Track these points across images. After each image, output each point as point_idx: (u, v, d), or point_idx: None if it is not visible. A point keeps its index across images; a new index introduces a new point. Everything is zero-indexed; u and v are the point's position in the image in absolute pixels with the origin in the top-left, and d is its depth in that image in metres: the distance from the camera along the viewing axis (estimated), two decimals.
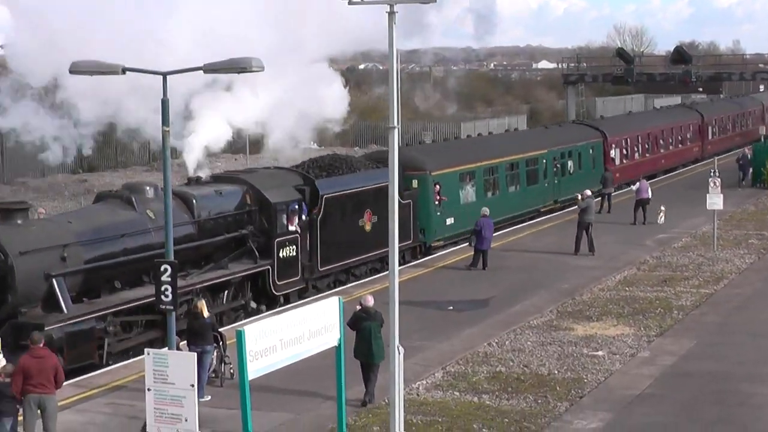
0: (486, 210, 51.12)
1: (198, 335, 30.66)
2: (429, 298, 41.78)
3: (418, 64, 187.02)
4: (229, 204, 41.26)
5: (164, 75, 26.85)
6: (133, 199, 37.04)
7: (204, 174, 43.83)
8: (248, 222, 41.36)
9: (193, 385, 20.40)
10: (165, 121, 27.30)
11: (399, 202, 39.64)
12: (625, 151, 77.12)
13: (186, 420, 20.31)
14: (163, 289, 26.15)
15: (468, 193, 56.71)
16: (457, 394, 30.56)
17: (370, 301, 29.23)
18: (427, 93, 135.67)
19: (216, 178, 43.84)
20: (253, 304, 41.68)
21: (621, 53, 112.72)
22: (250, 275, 40.93)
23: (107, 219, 36.14)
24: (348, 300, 31.20)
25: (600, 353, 34.40)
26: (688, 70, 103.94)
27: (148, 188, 38.55)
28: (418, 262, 50.73)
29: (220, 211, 40.65)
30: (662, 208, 60.29)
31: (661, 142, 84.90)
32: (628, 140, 78.26)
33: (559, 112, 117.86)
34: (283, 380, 26.07)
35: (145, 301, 33.83)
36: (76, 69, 26.71)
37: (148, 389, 20.60)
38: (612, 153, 73.63)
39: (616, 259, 49.73)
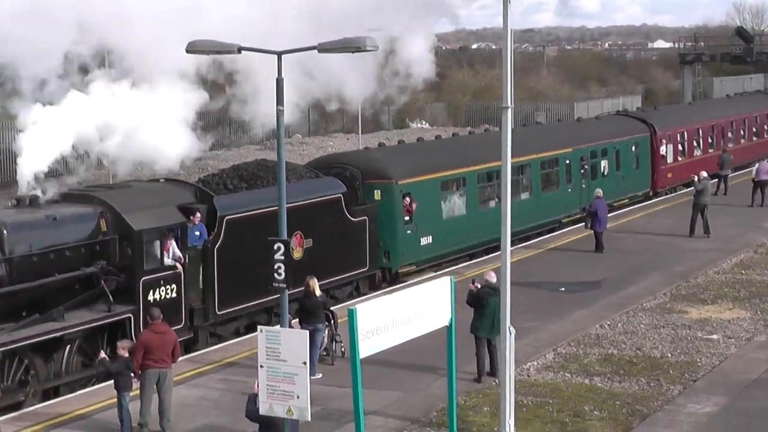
0: (599, 191, 50.19)
1: (310, 314, 30.91)
2: (540, 279, 41.67)
3: (531, 43, 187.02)
4: (69, 233, 32.03)
5: (279, 54, 26.83)
6: None
7: (53, 191, 34.12)
8: (102, 255, 32.12)
9: (305, 363, 20.48)
10: (279, 100, 27.26)
11: (348, 220, 38.58)
12: (681, 147, 67.34)
13: (298, 397, 20.43)
14: (276, 267, 26.03)
15: (455, 204, 46.70)
16: (568, 375, 30.55)
17: (494, 277, 29.10)
18: (541, 73, 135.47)
19: (65, 197, 34.17)
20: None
21: (740, 32, 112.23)
22: (102, 327, 31.57)
23: None
24: None
25: (715, 337, 34.10)
26: None
27: None
28: (384, 291, 39.55)
29: (53, 243, 31.47)
30: None
31: (730, 135, 75.17)
32: (685, 134, 68.33)
33: (675, 92, 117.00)
34: (393, 358, 25.81)
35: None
36: (192, 48, 26.72)
37: (261, 366, 20.82)
38: (663, 149, 63.67)
39: (732, 242, 49.17)
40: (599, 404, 27.90)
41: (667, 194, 63.36)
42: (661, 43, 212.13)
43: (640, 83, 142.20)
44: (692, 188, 53.27)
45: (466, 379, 28.48)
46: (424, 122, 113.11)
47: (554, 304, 38.16)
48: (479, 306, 28.97)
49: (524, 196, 51.55)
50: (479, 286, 30.04)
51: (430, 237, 43.72)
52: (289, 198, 29.49)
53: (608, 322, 35.84)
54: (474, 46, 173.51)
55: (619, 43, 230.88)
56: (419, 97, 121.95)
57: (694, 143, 70.16)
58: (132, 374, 26.35)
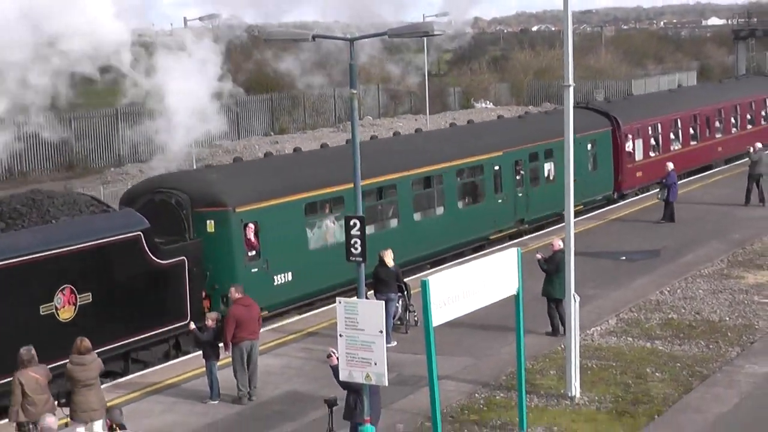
0: (671, 165, 49.09)
1: (383, 283, 31.18)
2: (602, 249, 41.71)
3: (589, 24, 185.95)
4: None
5: (351, 41, 27.34)
6: None
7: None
8: None
9: (381, 332, 20.58)
10: (353, 84, 27.72)
11: (154, 263, 29.04)
12: (654, 141, 56.23)
13: (375, 364, 20.54)
14: (353, 242, 26.57)
15: (328, 232, 35.87)
16: (630, 339, 30.68)
17: (561, 244, 29.46)
18: (599, 52, 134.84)
19: None
20: None
21: None
22: None
23: None
24: None
25: None
26: None
27: None
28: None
29: None
30: None
31: (719, 124, 64.16)
32: (659, 126, 56.86)
33: (729, 67, 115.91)
34: (464, 326, 26.13)
35: None
36: (270, 37, 27.28)
37: (340, 335, 20.90)
38: (629, 146, 53.23)
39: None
40: (660, 366, 28.10)
41: (636, 195, 54.14)
42: (714, 20, 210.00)
43: (695, 60, 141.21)
44: (747, 159, 53.29)
45: (533, 344, 28.69)
46: (488, 102, 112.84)
47: (616, 273, 38.23)
48: (557, 270, 29.48)
49: (438, 211, 41.38)
50: (541, 257, 30.83)
51: (289, 274, 33.38)
52: (56, 243, 26.70)
53: (668, 289, 35.88)
54: (534, 28, 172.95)
55: (674, 21, 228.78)
56: (484, 78, 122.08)
57: (672, 136, 59.32)
58: (220, 344, 27.12)
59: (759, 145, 54.75)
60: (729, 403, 25.48)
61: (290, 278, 33.32)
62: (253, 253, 32.77)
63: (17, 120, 70.28)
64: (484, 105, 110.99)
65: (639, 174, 53.43)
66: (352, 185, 31.22)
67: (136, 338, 26.96)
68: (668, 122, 58.88)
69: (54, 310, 26.25)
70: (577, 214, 43.43)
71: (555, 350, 28.74)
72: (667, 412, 25.07)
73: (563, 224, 27.81)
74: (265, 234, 32.47)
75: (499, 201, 44.45)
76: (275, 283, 33.19)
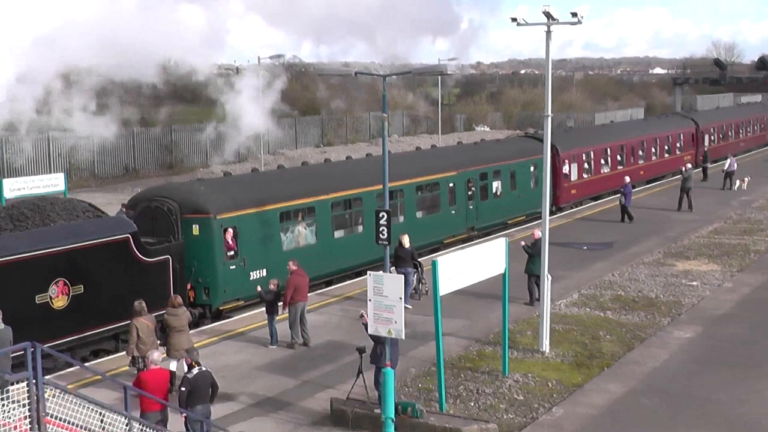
0: (627, 178, 49.63)
1: (401, 260, 31.44)
2: (570, 240, 41.64)
3: (564, 69, 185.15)
4: None
5: (384, 77, 27.41)
6: None
7: None
8: None
9: (400, 298, 20.51)
10: (384, 109, 27.88)
11: (140, 261, 27.45)
12: (586, 165, 52.87)
13: (395, 322, 20.50)
14: (381, 230, 26.86)
15: (300, 235, 33.54)
16: (588, 310, 30.71)
17: (539, 234, 29.15)
18: (571, 91, 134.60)
19: None
20: None
21: (717, 62, 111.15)
22: None
23: None
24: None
25: (695, 283, 34.02)
26: None
27: None
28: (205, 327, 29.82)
29: None
30: (747, 177, 59.02)
31: (641, 153, 60.47)
32: (592, 153, 53.59)
33: (669, 106, 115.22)
34: (463, 296, 26.14)
35: None
36: (322, 72, 27.44)
37: (369, 300, 20.81)
38: (566, 168, 50.30)
39: (709, 215, 48.61)
40: (610, 330, 28.17)
41: (572, 209, 50.84)
42: (658, 70, 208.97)
43: (643, 99, 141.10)
44: (680, 175, 53.09)
45: (515, 311, 28.60)
46: (486, 126, 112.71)
47: (579, 259, 38.23)
48: (537, 253, 29.41)
49: (399, 219, 37.67)
50: (525, 244, 31.21)
51: (264, 270, 31.15)
52: (53, 242, 25.28)
53: (618, 272, 35.86)
54: (522, 71, 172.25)
55: (628, 69, 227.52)
56: (483, 108, 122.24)
57: (602, 161, 55.82)
58: (279, 303, 27.36)
59: (689, 165, 55.35)
60: (660, 359, 25.47)
61: (265, 274, 30.83)
62: (232, 253, 30.51)
63: (133, 130, 70.72)
64: (483, 128, 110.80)
65: (574, 191, 50.72)
66: (322, 197, 34.53)
67: (125, 323, 24.81)
68: (599, 150, 55.51)
69: (48, 299, 24.87)
70: (519, 223, 45.35)
71: (531, 316, 28.77)
72: (614, 365, 25.06)
73: (540, 221, 27.85)
74: (243, 237, 30.61)
75: (453, 212, 41.77)
76: (251, 278, 30.92)
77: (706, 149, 68.12)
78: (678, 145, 65.10)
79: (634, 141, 59.50)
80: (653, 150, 61.39)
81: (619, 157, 56.76)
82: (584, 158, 51.77)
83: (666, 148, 63.37)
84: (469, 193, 42.85)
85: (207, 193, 31.12)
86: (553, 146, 43.49)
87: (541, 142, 43.15)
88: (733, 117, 78.65)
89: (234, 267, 30.60)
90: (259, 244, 31.46)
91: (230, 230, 30.12)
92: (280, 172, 39.73)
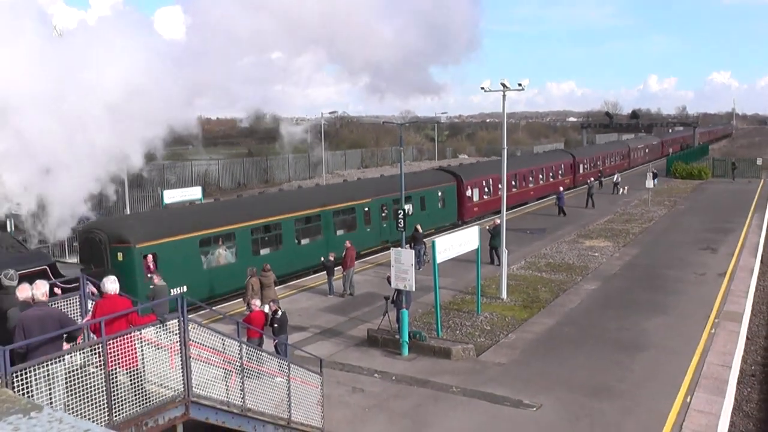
0: (561, 188, 48.74)
1: (417, 240, 31.38)
2: (518, 227, 41.31)
3: (514, 118, 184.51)
4: None
5: (401, 125, 27.26)
6: None
7: None
8: None
9: (411, 264, 20.52)
10: (401, 144, 27.97)
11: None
12: (486, 189, 46.18)
13: (409, 280, 20.51)
14: (400, 222, 26.69)
15: (220, 256, 26.90)
16: (531, 272, 30.48)
17: (499, 221, 29.14)
18: (518, 132, 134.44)
19: None
20: None
21: (607, 114, 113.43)
22: None
23: None
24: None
25: (596, 254, 33.77)
26: (638, 122, 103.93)
27: None
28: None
29: None
30: (626, 187, 58.75)
31: (531, 179, 53.83)
32: (491, 180, 46.22)
33: (579, 141, 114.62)
34: (452, 262, 26.06)
35: None
36: (360, 120, 27.19)
37: (392, 265, 20.83)
38: (469, 192, 44.13)
39: (604, 211, 48.28)
40: (545, 285, 28.00)
41: (475, 222, 42.59)
42: (572, 118, 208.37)
43: (563, 137, 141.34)
44: (587, 185, 52.90)
45: (485, 272, 28.05)
46: (465, 155, 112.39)
47: (525, 239, 37.91)
48: (497, 234, 29.38)
49: (320, 238, 31.60)
50: (488, 228, 30.99)
51: (185, 287, 24.53)
52: None
53: (549, 248, 35.62)
54: (488, 120, 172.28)
55: (553, 118, 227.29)
56: (463, 143, 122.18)
57: (500, 186, 49.13)
58: (335, 268, 27.33)
59: (592, 179, 55.25)
60: (575, 302, 25.30)
61: (185, 289, 24.16)
62: (150, 276, 22.06)
63: (243, 160, 70.60)
64: (463, 156, 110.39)
65: (476, 209, 44.88)
66: (241, 225, 27.56)
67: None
68: (497, 178, 43.87)
69: None
70: (429, 235, 37.57)
71: (495, 276, 28.37)
72: (547, 306, 24.92)
73: (499, 215, 27.66)
74: (163, 261, 24.25)
75: (368, 230, 35.10)
76: (170, 293, 22.05)
77: (601, 170, 67.77)
78: (560, 172, 59.66)
79: (525, 170, 53.56)
80: (540, 176, 55.86)
81: (513, 182, 50.12)
82: (483, 184, 46.19)
83: (551, 174, 57.62)
84: (383, 214, 36.25)
85: (131, 226, 25.19)
86: (457, 176, 43.96)
87: (450, 174, 44.06)
88: (600, 152, 74.67)
89: (152, 287, 22.42)
90: (179, 266, 24.95)
91: (150, 256, 24.08)
92: (209, 204, 33.65)
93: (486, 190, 46.70)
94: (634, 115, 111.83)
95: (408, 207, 37.38)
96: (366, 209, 35.44)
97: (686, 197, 55.83)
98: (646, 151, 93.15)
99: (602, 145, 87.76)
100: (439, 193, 41.74)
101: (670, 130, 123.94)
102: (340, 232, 33.45)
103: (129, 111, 18.83)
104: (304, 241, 31.02)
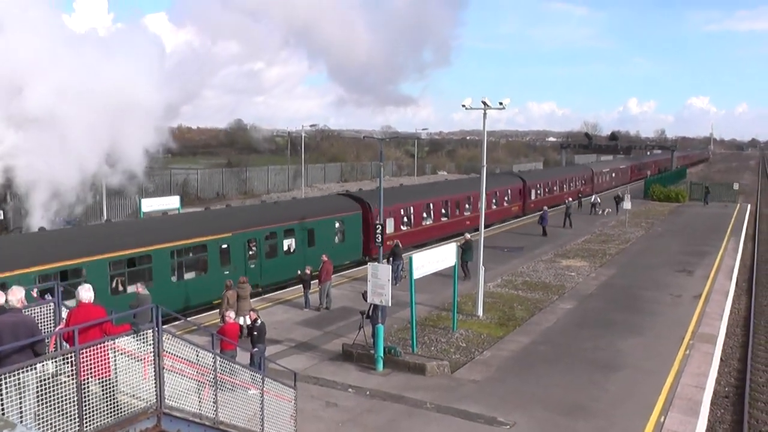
0: (546, 207, 48.90)
1: (396, 255, 31.24)
2: (496, 244, 41.33)
3: (494, 137, 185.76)
4: None
5: (381, 140, 27.26)
6: None
7: None
8: None
9: (388, 279, 20.50)
10: (381, 159, 27.92)
11: None
12: (405, 219, 38.77)
13: (385, 295, 20.50)
14: (377, 238, 26.67)
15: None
16: (507, 289, 30.54)
17: (470, 237, 29.49)
18: (498, 150, 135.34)
19: None
20: None
21: (586, 135, 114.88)
22: None
23: None
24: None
25: (573, 274, 33.93)
26: (617, 143, 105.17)
27: None
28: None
29: None
30: (608, 209, 59.13)
31: (467, 206, 45.28)
32: (410, 209, 39.39)
33: (558, 161, 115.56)
34: (428, 280, 26.08)
35: None
36: (342, 134, 27.20)
37: (369, 280, 20.79)
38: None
39: (582, 231, 48.53)
40: (521, 303, 28.06)
41: (387, 260, 30.44)
42: (552, 138, 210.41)
43: (542, 156, 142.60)
44: (563, 205, 53.21)
45: (461, 289, 28.00)
46: (445, 172, 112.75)
47: (502, 257, 37.89)
48: (468, 248, 30.06)
49: (153, 284, 23.72)
50: (459, 244, 30.91)
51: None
52: None
53: (526, 266, 35.72)
54: (468, 137, 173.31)
55: (533, 138, 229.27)
56: (443, 160, 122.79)
57: (424, 215, 41.17)
58: (312, 281, 27.23)
59: (570, 199, 55.57)
60: (551, 321, 25.42)
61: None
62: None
63: (222, 170, 70.46)
64: (443, 173, 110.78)
65: (389, 243, 34.22)
66: (97, 257, 22.38)
67: None
68: (420, 205, 40.72)
69: None
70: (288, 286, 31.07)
71: (471, 293, 28.44)
72: (523, 325, 25.01)
73: (477, 231, 27.75)
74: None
75: (226, 272, 26.97)
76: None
77: (569, 196, 66.48)
78: (506, 198, 52.87)
79: (460, 196, 45.28)
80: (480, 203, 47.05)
81: (444, 210, 43.05)
82: (402, 213, 38.57)
83: (493, 201, 49.93)
84: (251, 252, 28.97)
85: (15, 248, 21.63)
86: (364, 203, 35.95)
87: (354, 200, 36.21)
88: (555, 176, 65.69)
89: None
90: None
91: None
92: (108, 225, 29.09)
93: (405, 219, 39.14)
94: (613, 137, 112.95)
95: (288, 242, 31.16)
96: (224, 246, 27.64)
97: (663, 219, 56.35)
98: (612, 175, 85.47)
99: (560, 169, 78.06)
100: (337, 225, 34.45)
101: (649, 153, 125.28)
102: (188, 275, 26.16)
103: (119, 117, 18.84)
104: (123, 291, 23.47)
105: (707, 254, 39.81)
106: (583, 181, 72.80)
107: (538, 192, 59.43)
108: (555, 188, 63.42)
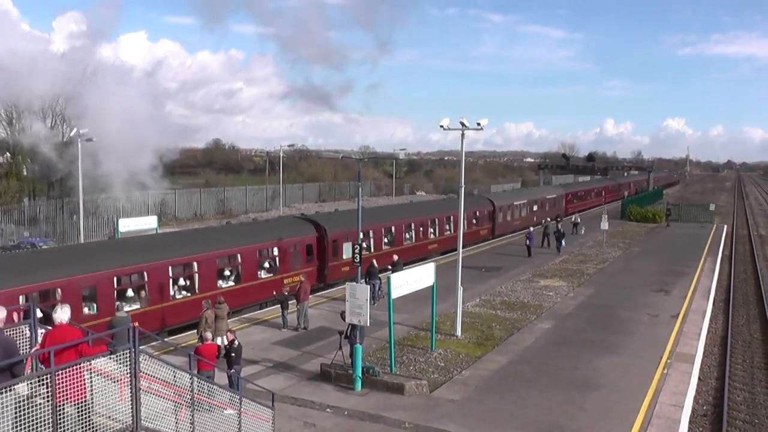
0: (531, 229, 48.82)
1: (372, 275, 31.23)
2: (474, 264, 41.50)
3: (472, 157, 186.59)
4: None
5: (360, 160, 27.43)
6: None
7: None
8: None
9: (366, 299, 20.53)
10: (359, 179, 27.96)
11: None
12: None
13: (363, 315, 20.51)
14: (356, 257, 26.66)
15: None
16: (486, 309, 30.60)
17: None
18: (476, 171, 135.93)
19: None
20: None
21: (564, 155, 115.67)
22: None
23: None
24: None
25: (551, 293, 34.07)
26: (594, 164, 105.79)
27: None
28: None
29: None
30: (584, 228, 59.43)
31: (406, 235, 41.53)
32: (370, 232, 37.52)
33: (536, 182, 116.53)
34: (407, 299, 26.11)
35: None
36: (320, 155, 27.34)
37: (347, 300, 20.82)
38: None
39: (560, 252, 48.97)
40: (499, 322, 28.13)
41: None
42: (529, 159, 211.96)
43: (520, 177, 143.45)
44: (543, 224, 53.49)
45: (439, 309, 28.02)
46: (423, 192, 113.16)
47: (480, 277, 38.03)
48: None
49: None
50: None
51: None
52: None
53: (504, 286, 35.82)
54: (446, 158, 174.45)
55: (511, 158, 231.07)
56: (421, 180, 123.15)
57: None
58: (289, 302, 27.17)
59: (549, 218, 55.60)
60: (529, 341, 25.49)
61: None
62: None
63: (200, 190, 70.18)
64: (421, 193, 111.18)
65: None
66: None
67: None
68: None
69: None
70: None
71: (450, 313, 28.50)
72: (501, 344, 25.06)
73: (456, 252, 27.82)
74: None
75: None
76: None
77: (556, 217, 67.92)
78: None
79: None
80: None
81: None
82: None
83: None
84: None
85: None
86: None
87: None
88: (524, 198, 63.44)
89: None
90: None
91: None
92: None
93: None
94: (591, 158, 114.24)
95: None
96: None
97: (641, 240, 56.83)
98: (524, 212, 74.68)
99: (527, 191, 73.46)
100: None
101: (626, 174, 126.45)
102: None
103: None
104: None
105: (684, 274, 40.18)
106: (553, 204, 70.04)
107: (506, 215, 57.69)
108: (523, 212, 61.69)
